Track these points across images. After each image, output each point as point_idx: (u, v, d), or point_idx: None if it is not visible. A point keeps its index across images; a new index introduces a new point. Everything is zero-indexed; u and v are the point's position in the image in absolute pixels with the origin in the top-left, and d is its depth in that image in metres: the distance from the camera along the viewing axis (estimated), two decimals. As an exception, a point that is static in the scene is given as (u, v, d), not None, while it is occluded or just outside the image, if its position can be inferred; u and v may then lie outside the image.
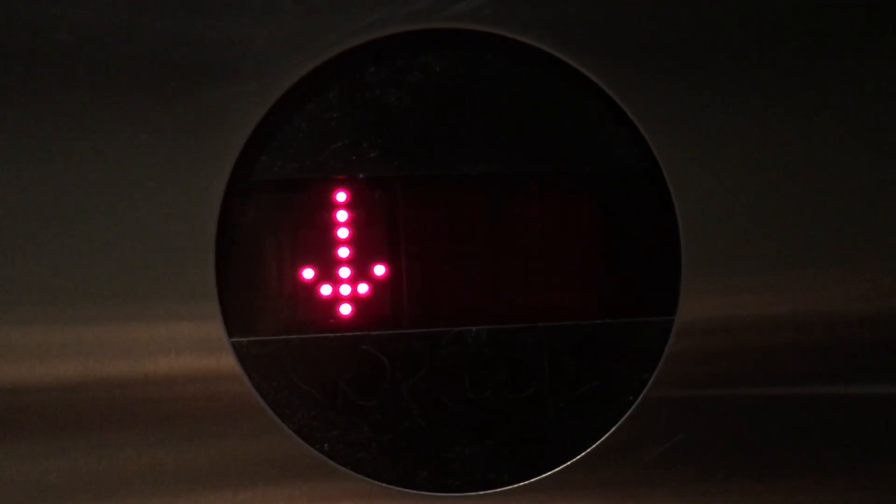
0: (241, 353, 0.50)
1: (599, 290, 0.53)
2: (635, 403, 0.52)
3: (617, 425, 0.52)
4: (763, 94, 0.52)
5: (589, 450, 0.52)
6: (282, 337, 0.50)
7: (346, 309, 0.51)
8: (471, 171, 0.51)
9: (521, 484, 0.52)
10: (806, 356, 0.53)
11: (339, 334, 0.51)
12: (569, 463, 0.52)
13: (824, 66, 0.52)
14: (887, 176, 0.53)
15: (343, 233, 0.51)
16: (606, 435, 0.52)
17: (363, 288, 0.51)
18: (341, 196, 0.51)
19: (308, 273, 0.51)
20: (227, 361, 0.49)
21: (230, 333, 0.49)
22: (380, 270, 0.51)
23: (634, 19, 0.51)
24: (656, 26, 0.51)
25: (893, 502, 0.54)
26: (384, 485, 0.51)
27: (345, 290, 0.51)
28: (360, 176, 0.51)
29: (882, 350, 0.53)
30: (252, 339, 0.50)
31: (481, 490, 0.51)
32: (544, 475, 0.52)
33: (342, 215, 0.51)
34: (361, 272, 0.51)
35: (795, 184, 0.52)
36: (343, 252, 0.51)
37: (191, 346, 0.49)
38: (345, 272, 0.51)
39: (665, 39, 0.51)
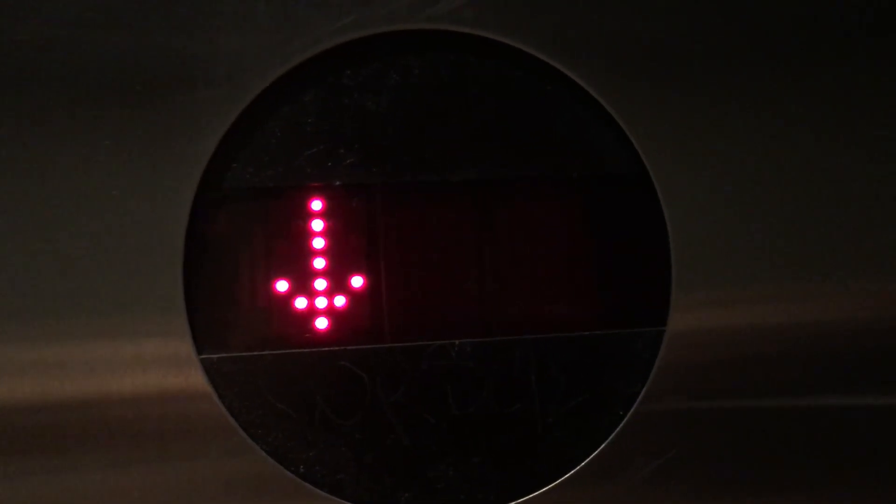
0: (212, 371, 0.48)
1: (588, 300, 0.52)
2: (626, 418, 0.51)
3: (608, 441, 0.51)
4: (756, 99, 0.51)
5: (579, 467, 0.51)
6: (255, 353, 0.49)
7: (322, 323, 0.50)
8: (453, 178, 0.50)
9: (509, 504, 0.51)
10: (801, 367, 0.52)
11: (315, 349, 0.49)
12: (558, 481, 0.51)
13: (821, 70, 0.52)
14: (882, 184, 0.52)
15: (319, 243, 0.50)
16: (597, 451, 0.51)
17: (340, 300, 0.50)
18: (317, 204, 0.50)
19: (282, 285, 0.50)
20: (197, 379, 0.48)
21: (199, 350, 0.48)
22: (358, 282, 0.50)
23: (621, 21, 0.50)
24: (643, 28, 0.51)
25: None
26: (364, 508, 0.50)
27: (321, 302, 0.50)
28: (337, 183, 0.50)
29: (878, 360, 0.53)
30: (223, 355, 0.48)
31: (467, 511, 0.51)
32: (533, 494, 0.51)
33: (318, 224, 0.50)
34: (338, 284, 0.50)
35: (788, 191, 0.52)
36: (319, 263, 0.50)
37: (158, 364, 0.47)
38: (321, 284, 0.50)
39: (652, 41, 0.51)
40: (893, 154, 0.52)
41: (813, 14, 0.51)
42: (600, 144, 0.51)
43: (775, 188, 0.52)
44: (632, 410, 0.51)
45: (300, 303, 0.50)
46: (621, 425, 0.51)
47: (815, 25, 0.52)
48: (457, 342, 0.50)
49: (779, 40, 0.51)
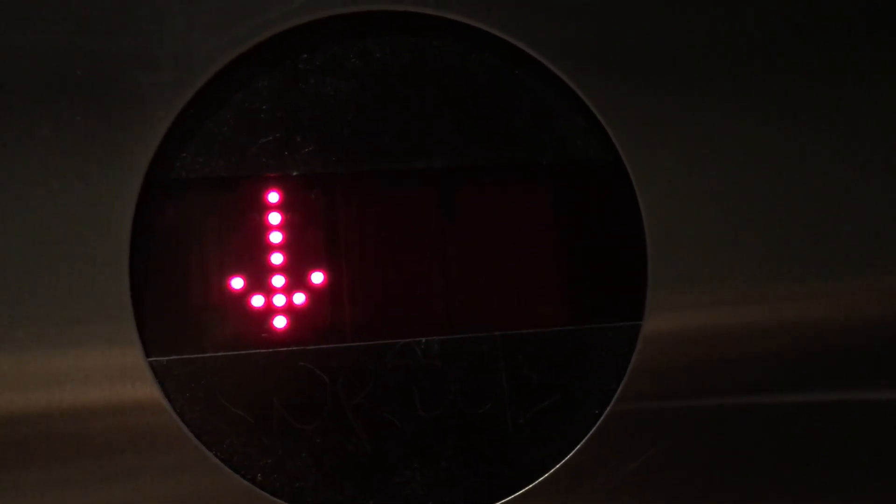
0: (161, 375, 0.47)
1: (560, 294, 0.51)
2: (602, 417, 0.50)
3: (582, 442, 0.50)
4: (737, 91, 0.51)
5: (553, 470, 0.50)
6: (208, 355, 0.47)
7: (280, 321, 0.49)
8: (416, 167, 0.49)
9: (479, 510, 0.50)
10: (782, 361, 0.52)
11: (272, 350, 0.48)
12: (531, 485, 0.50)
13: (801, 64, 0.51)
14: (864, 182, 0.52)
15: (276, 237, 0.48)
16: (571, 453, 0.50)
17: (299, 298, 0.49)
18: (273, 196, 0.48)
19: (237, 282, 0.48)
20: (145, 384, 0.46)
21: (148, 353, 0.46)
22: (318, 278, 0.49)
23: (593, 2, 0.49)
24: (615, 10, 0.49)
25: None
26: (326, 517, 0.49)
27: (279, 300, 0.48)
28: (295, 173, 0.48)
29: (858, 357, 0.52)
30: (173, 358, 0.47)
31: (435, 518, 0.49)
32: (504, 500, 0.50)
33: (275, 217, 0.48)
34: (297, 280, 0.49)
35: (766, 180, 0.51)
36: (276, 258, 0.49)
37: (103, 368, 0.45)
38: (279, 281, 0.49)
39: (624, 23, 0.50)
40: (873, 152, 0.52)
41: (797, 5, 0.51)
42: (572, 131, 0.50)
43: (753, 176, 0.51)
44: (607, 410, 0.50)
45: (257, 301, 0.48)
46: (596, 426, 0.50)
47: (790, 18, 0.51)
48: (423, 340, 0.49)
49: (756, 32, 0.50)
